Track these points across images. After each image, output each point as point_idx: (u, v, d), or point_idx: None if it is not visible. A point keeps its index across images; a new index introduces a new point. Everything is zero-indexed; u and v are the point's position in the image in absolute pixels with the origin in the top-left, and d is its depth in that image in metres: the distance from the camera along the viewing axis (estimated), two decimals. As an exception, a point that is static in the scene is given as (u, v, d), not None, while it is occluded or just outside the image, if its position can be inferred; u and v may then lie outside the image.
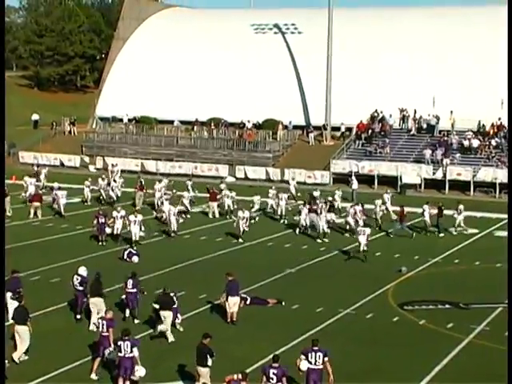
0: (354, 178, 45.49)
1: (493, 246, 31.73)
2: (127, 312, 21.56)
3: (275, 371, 15.03)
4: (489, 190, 46.68)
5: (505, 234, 33.84)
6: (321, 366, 15.88)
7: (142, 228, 30.72)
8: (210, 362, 15.95)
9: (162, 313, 19.75)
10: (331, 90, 54.24)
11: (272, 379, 15.00)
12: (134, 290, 21.48)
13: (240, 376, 14.55)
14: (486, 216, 38.92)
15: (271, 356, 15.95)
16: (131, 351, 16.38)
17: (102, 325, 17.90)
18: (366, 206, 35.88)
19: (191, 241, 32.34)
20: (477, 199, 45.19)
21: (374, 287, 24.95)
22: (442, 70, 54.85)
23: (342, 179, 48.61)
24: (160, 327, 19.43)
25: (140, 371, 16.48)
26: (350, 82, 55.99)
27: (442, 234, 33.95)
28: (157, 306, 19.92)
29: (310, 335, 20.18)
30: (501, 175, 46.45)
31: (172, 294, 20.35)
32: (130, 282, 21.54)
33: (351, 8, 63.49)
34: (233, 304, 21.20)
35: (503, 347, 19.66)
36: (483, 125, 51.03)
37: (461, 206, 35.07)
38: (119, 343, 16.53)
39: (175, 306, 20.29)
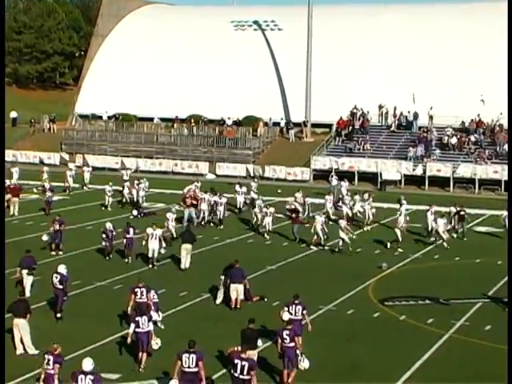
0: (334, 174, 45.57)
1: (472, 242, 31.92)
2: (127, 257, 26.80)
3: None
4: (468, 186, 46.95)
5: (484, 229, 34.05)
6: (300, 317, 18.34)
7: (163, 244, 27.15)
8: (260, 343, 17.31)
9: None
10: (311, 86, 54.31)
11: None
12: (130, 236, 27.27)
13: (240, 348, 15.61)
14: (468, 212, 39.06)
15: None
16: (148, 325, 17.66)
17: (48, 360, 15.57)
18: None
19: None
20: (456, 195, 45.43)
21: (354, 283, 25.01)
22: (421, 66, 55.06)
23: (322, 176, 48.75)
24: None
25: (157, 342, 17.96)
26: (330, 79, 56.08)
27: (465, 238, 32.50)
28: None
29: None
30: (480, 171, 46.77)
31: (153, 292, 20.36)
32: (130, 230, 27.39)
33: (331, 5, 63.58)
34: (234, 290, 21.87)
35: (483, 342, 19.82)
36: (463, 121, 51.33)
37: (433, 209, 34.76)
38: (137, 319, 17.71)
39: (157, 300, 20.32)
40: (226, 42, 61.54)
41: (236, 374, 15.21)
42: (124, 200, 39.23)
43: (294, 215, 32.56)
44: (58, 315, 21.16)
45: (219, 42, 61.73)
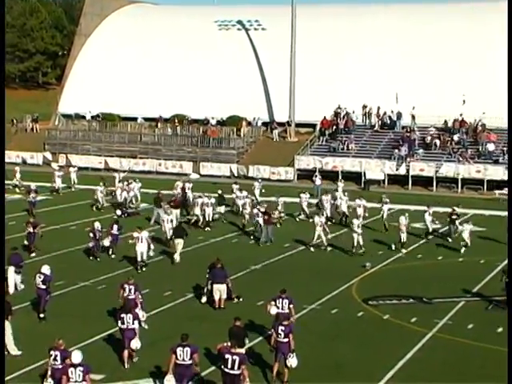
0: (317, 174, 45.73)
1: (456, 241, 32.03)
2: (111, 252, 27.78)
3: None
4: (451, 186, 47.21)
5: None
6: (287, 311, 18.91)
7: (151, 247, 26.87)
8: (246, 341, 17.54)
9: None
10: (295, 86, 54.38)
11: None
12: (118, 233, 28.22)
13: (230, 344, 15.78)
14: (448, 211, 39.23)
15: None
16: (133, 323, 17.80)
17: (56, 356, 15.72)
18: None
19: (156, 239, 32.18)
20: (439, 194, 45.69)
21: (338, 283, 25.08)
22: (405, 66, 55.27)
23: (306, 175, 48.84)
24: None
25: (136, 343, 17.79)
26: (314, 79, 56.18)
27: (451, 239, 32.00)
28: None
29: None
30: (463, 171, 47.04)
31: (137, 293, 20.45)
32: (114, 227, 28.28)
33: (315, 5, 63.70)
34: (217, 291, 21.90)
35: (466, 341, 19.95)
36: (445, 121, 51.61)
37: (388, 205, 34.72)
38: (122, 316, 17.89)
39: (141, 300, 20.30)
40: (209, 42, 61.47)
41: (227, 369, 15.37)
42: (116, 201, 38.91)
43: (266, 217, 31.45)
44: (41, 315, 21.08)
45: (203, 41, 61.66)
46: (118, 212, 35.20)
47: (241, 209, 35.71)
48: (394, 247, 30.15)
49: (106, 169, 53.33)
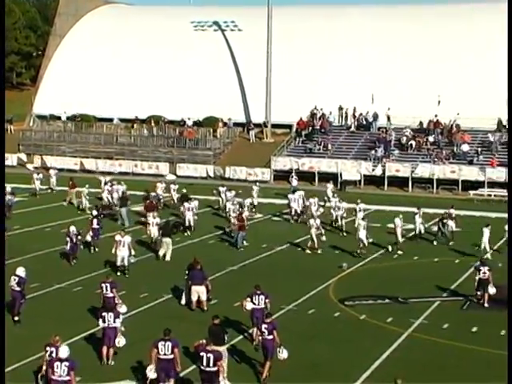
0: (294, 175, 45.84)
1: (431, 241, 32.27)
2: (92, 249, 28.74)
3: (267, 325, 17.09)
4: (426, 186, 47.54)
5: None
6: (263, 306, 19.34)
7: (132, 252, 26.52)
8: (226, 339, 17.63)
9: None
10: (271, 87, 54.47)
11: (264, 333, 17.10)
12: (98, 227, 29.48)
13: (205, 341, 15.90)
14: (423, 211, 39.50)
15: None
16: (114, 321, 17.95)
17: (51, 352, 15.85)
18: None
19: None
20: (415, 195, 46.00)
21: (315, 283, 25.15)
22: (380, 67, 55.59)
23: (282, 176, 48.93)
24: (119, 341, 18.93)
25: (121, 341, 17.98)
26: (290, 80, 56.32)
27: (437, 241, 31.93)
28: None
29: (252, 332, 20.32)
30: (438, 171, 47.39)
31: (114, 290, 20.65)
32: (94, 221, 29.44)
33: (291, 6, 63.91)
34: (195, 292, 21.87)
35: (441, 340, 20.10)
36: (421, 122, 51.96)
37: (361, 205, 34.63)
38: (103, 314, 18.05)
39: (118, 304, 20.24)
40: (185, 43, 61.37)
41: (203, 367, 15.54)
42: (103, 203, 38.62)
43: (238, 223, 31.11)
44: (16, 318, 20.90)
45: (179, 42, 61.54)
46: (94, 212, 34.86)
47: (229, 212, 34.78)
48: (390, 249, 30.08)
49: (82, 170, 53.07)
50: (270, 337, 17.20)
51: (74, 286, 24.58)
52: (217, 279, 25.10)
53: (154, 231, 29.82)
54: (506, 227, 30.88)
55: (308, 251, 30.00)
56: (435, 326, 21.25)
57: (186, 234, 32.88)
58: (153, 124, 57.18)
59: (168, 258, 28.18)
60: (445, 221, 32.22)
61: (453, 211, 33.35)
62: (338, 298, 23.78)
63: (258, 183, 42.68)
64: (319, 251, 29.91)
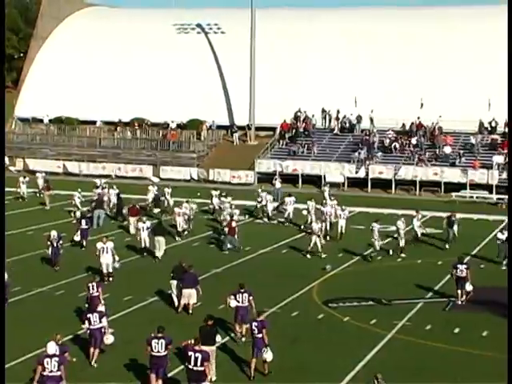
0: (277, 177, 45.89)
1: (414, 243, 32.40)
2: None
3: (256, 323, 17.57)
4: (409, 188, 47.74)
5: (423, 230, 34.40)
6: (246, 304, 19.82)
7: (116, 258, 26.08)
8: (218, 339, 17.80)
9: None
10: (255, 89, 54.51)
11: (254, 331, 17.55)
12: (86, 227, 30.45)
13: (193, 341, 16.01)
14: (407, 213, 39.68)
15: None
16: (100, 322, 18.14)
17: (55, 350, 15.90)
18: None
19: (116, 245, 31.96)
20: (398, 197, 46.19)
21: (299, 285, 25.19)
22: (363, 70, 55.78)
23: (266, 179, 48.96)
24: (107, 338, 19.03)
25: (109, 339, 18.23)
26: (274, 82, 56.37)
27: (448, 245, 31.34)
28: None
29: (244, 341, 20.29)
30: (420, 173, 47.61)
31: (100, 289, 20.86)
32: (83, 222, 30.61)
33: (274, 8, 63.91)
34: (187, 295, 21.87)
35: (424, 341, 20.20)
36: (403, 124, 52.19)
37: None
38: (88, 316, 18.26)
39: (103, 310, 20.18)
40: (168, 45, 61.27)
41: (190, 366, 15.70)
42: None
43: (228, 226, 31.08)
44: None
45: (162, 44, 61.43)
46: (78, 214, 34.70)
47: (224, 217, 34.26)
48: (391, 252, 29.81)
49: (65, 173, 52.86)
50: (260, 335, 17.53)
51: (56, 290, 24.48)
52: (201, 282, 25.03)
53: (143, 236, 29.32)
54: (496, 233, 31.09)
55: (309, 256, 29.43)
56: (418, 327, 21.34)
57: (177, 239, 32.29)
58: (136, 127, 57.04)
59: (160, 256, 28.51)
60: (453, 219, 31.72)
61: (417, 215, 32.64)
62: (321, 300, 23.83)
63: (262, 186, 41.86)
64: (323, 255, 29.43)
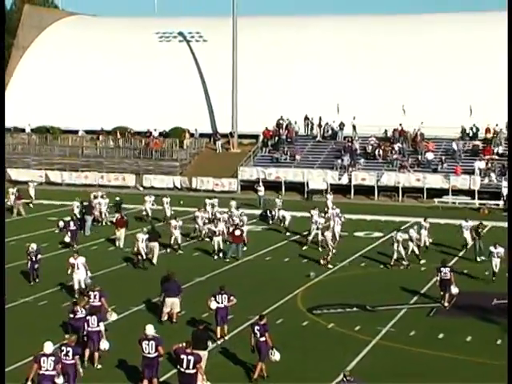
0: (261, 184, 45.94)
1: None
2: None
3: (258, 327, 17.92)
4: (392, 194, 47.93)
5: (407, 236, 34.46)
6: (226, 305, 20.48)
7: (89, 273, 25.10)
8: (209, 344, 18.16)
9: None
10: (237, 97, 54.58)
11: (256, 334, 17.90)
12: (74, 228, 31.82)
13: (185, 344, 16.20)
14: (389, 219, 39.94)
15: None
16: (98, 325, 18.49)
17: (67, 351, 16.39)
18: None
19: (98, 253, 31.87)
20: (381, 203, 46.37)
21: (283, 293, 25.19)
22: (345, 77, 56.01)
23: (249, 186, 48.99)
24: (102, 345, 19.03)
25: (104, 344, 18.43)
26: (256, 90, 56.47)
27: (481, 258, 30.21)
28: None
29: (220, 342, 20.28)
30: (403, 179, 47.82)
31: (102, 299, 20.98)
32: (71, 223, 31.78)
33: (256, 16, 64.11)
34: (170, 304, 21.88)
35: (408, 347, 20.25)
36: (385, 130, 52.43)
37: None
38: (87, 318, 18.67)
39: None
40: (150, 54, 61.25)
41: (182, 369, 15.89)
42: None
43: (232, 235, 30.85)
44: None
45: (144, 53, 61.41)
46: (61, 223, 34.49)
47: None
48: (406, 263, 29.29)
49: (47, 182, 52.60)
50: (263, 339, 17.75)
51: (39, 300, 24.33)
52: (184, 290, 24.98)
53: (142, 246, 28.96)
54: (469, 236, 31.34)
55: (322, 262, 29.27)
56: (402, 333, 21.40)
57: (177, 252, 31.73)
58: (119, 135, 56.92)
59: (155, 262, 29.00)
60: (479, 230, 30.84)
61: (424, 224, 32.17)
62: (306, 307, 23.84)
63: (280, 195, 41.26)
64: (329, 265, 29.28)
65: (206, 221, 34.26)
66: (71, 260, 24.97)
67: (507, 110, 47.70)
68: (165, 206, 38.58)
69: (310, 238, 32.73)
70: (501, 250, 26.82)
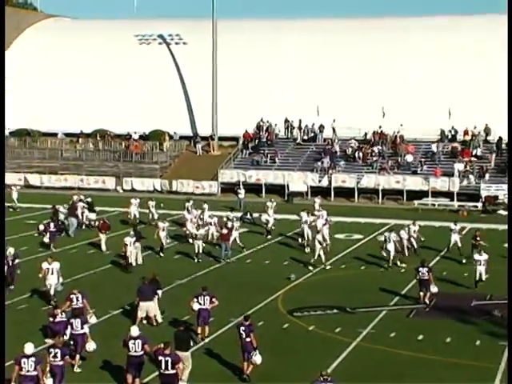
0: (241, 187, 45.94)
1: (377, 251, 32.57)
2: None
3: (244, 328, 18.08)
4: (372, 197, 48.12)
5: (382, 238, 34.47)
6: (209, 306, 20.62)
7: (61, 280, 24.57)
8: (191, 344, 18.28)
9: None
10: (217, 100, 54.57)
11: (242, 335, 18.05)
12: (54, 229, 32.27)
13: (163, 345, 16.28)
14: (369, 221, 40.09)
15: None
16: (82, 328, 18.62)
17: (56, 353, 16.48)
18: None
19: (78, 256, 31.72)
20: (361, 205, 46.54)
21: (263, 295, 25.21)
22: (325, 80, 56.17)
23: (230, 189, 48.98)
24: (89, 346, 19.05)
25: (91, 345, 18.59)
26: (237, 93, 56.47)
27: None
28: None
29: (201, 345, 20.25)
30: (383, 181, 48.03)
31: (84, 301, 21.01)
32: (51, 225, 32.52)
33: (236, 19, 64.19)
34: (144, 308, 21.77)
35: (389, 349, 20.33)
36: (365, 133, 52.63)
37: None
38: (71, 321, 18.74)
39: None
40: (130, 56, 61.09)
41: (161, 370, 16.10)
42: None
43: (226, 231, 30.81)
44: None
45: (124, 55, 61.23)
46: (41, 227, 34.18)
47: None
48: (399, 263, 29.36)
49: (26, 186, 52.24)
50: (248, 339, 17.93)
51: (18, 304, 24.16)
52: (164, 293, 24.89)
53: (131, 250, 28.83)
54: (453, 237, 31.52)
55: (311, 268, 29.11)
56: (382, 334, 21.48)
57: (160, 255, 31.59)
58: (98, 138, 56.68)
59: (139, 261, 29.30)
60: (477, 243, 29.85)
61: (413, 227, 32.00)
62: (286, 310, 23.87)
63: (272, 200, 40.63)
64: (328, 267, 29.34)
65: (195, 223, 33.91)
66: (45, 265, 24.30)
67: (507, 112, 47.93)
68: (151, 208, 38.59)
69: (306, 240, 32.64)
70: (486, 257, 25.88)
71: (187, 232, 33.85)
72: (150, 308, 21.92)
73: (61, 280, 24.49)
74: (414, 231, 31.61)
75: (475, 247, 29.28)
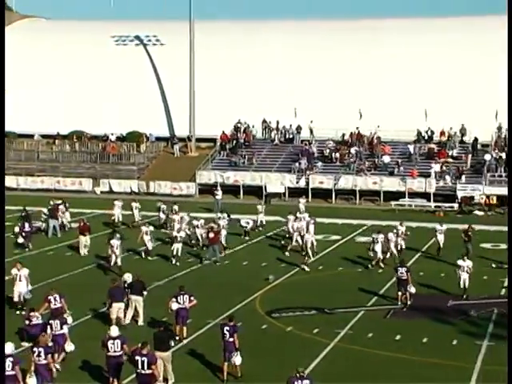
0: (219, 188, 45.92)
1: (354, 252, 32.73)
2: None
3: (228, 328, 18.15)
4: (349, 197, 48.31)
5: (365, 239, 34.74)
6: (188, 305, 20.73)
7: (29, 287, 23.67)
8: (171, 344, 18.18)
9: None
10: (195, 101, 54.50)
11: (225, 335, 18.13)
12: (29, 229, 32.72)
13: (140, 345, 16.33)
14: (347, 222, 40.25)
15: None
16: (61, 328, 18.64)
17: (39, 352, 16.58)
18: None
19: (57, 257, 31.53)
20: (338, 206, 46.70)
21: (241, 296, 25.22)
22: (302, 80, 56.30)
23: (207, 190, 48.93)
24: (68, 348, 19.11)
25: (69, 346, 18.60)
26: (214, 94, 56.42)
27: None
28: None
29: (180, 347, 20.22)
30: (360, 182, 48.24)
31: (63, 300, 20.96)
32: (26, 225, 32.69)
33: (213, 20, 64.16)
34: (116, 309, 21.83)
35: (366, 349, 20.43)
36: (343, 134, 52.81)
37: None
38: (50, 322, 18.70)
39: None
40: (107, 57, 60.79)
41: (138, 370, 16.13)
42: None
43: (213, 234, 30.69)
44: None
45: (100, 56, 60.92)
46: (16, 229, 33.76)
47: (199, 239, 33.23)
48: (382, 265, 29.33)
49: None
50: (231, 339, 17.99)
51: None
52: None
53: (117, 253, 28.79)
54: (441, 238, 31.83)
55: (305, 267, 29.21)
56: (360, 335, 21.58)
57: (148, 258, 31.37)
58: (75, 139, 56.36)
59: (118, 261, 28.90)
60: (469, 233, 30.72)
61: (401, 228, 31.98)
62: (264, 311, 23.90)
63: (262, 202, 41.05)
64: (307, 269, 29.36)
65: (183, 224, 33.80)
66: (14, 271, 23.63)
67: (507, 113, 48.21)
68: (134, 210, 38.46)
69: (294, 243, 32.51)
70: (470, 264, 25.25)
71: (170, 234, 33.61)
72: (120, 309, 21.96)
73: (29, 287, 23.66)
74: (402, 232, 31.66)
75: (467, 242, 30.07)
